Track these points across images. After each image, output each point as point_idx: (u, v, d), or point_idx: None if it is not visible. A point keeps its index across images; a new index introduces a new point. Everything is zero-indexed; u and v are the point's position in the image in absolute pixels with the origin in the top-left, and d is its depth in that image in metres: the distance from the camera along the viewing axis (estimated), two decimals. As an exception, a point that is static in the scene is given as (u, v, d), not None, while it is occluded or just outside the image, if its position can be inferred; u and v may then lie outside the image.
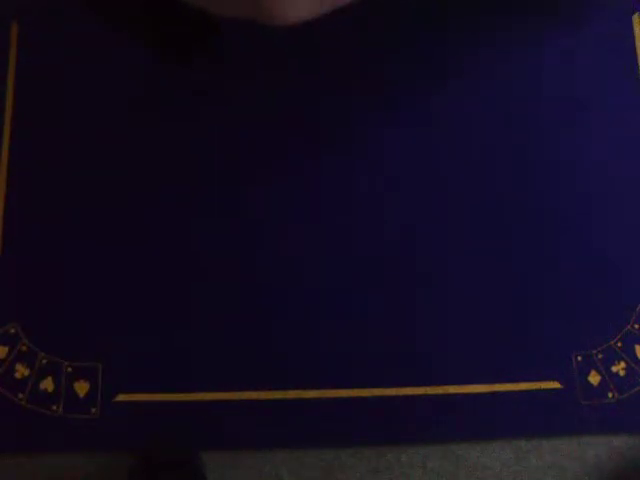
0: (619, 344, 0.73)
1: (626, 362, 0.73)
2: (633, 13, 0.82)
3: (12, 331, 0.70)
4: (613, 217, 0.76)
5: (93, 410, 0.69)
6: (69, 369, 0.70)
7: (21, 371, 0.69)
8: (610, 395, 0.72)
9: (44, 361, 0.70)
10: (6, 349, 0.70)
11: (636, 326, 0.74)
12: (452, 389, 0.71)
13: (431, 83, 0.78)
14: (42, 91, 0.76)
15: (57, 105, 0.76)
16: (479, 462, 0.71)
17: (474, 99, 0.78)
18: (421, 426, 0.71)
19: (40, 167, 0.74)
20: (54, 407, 0.69)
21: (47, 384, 0.69)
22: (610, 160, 0.78)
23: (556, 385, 0.72)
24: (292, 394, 0.70)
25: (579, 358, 0.72)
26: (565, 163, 0.77)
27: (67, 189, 0.74)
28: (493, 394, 0.71)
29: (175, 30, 0.58)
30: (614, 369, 0.73)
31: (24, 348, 0.70)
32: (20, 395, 0.69)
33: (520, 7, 0.80)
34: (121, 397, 0.69)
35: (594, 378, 0.72)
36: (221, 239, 0.73)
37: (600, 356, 0.73)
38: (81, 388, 0.69)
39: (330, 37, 0.77)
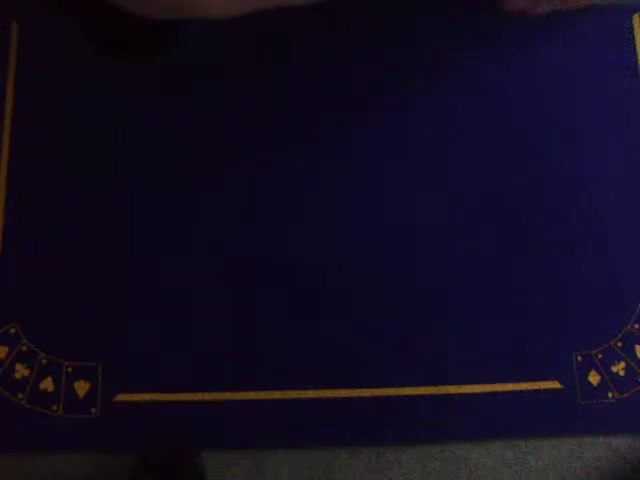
0: (619, 344, 0.73)
1: (626, 362, 0.73)
2: (633, 13, 0.82)
3: (12, 331, 0.70)
4: (612, 217, 0.76)
5: (93, 410, 0.69)
6: (69, 369, 0.70)
7: (21, 371, 0.69)
8: (610, 395, 0.72)
9: (44, 361, 0.70)
10: (6, 349, 0.70)
11: (636, 326, 0.74)
12: (452, 389, 0.71)
13: (429, 85, 0.78)
14: (42, 91, 0.76)
15: (57, 105, 0.76)
16: (479, 462, 0.71)
17: (473, 100, 0.78)
18: (421, 426, 0.71)
19: (40, 167, 0.74)
20: (54, 407, 0.69)
21: (47, 384, 0.69)
22: (610, 160, 0.78)
23: (556, 385, 0.72)
24: (292, 394, 0.70)
25: (579, 358, 0.72)
26: (564, 163, 0.77)
27: (67, 189, 0.74)
28: (493, 394, 0.71)
29: (126, 32, 0.56)
30: (614, 369, 0.73)
31: (24, 348, 0.70)
32: (20, 395, 0.69)
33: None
34: (121, 397, 0.69)
35: (594, 378, 0.72)
36: (221, 239, 0.73)
37: (600, 356, 0.73)
38: (81, 388, 0.69)
39: (329, 33, 0.77)
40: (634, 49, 0.81)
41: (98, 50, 0.58)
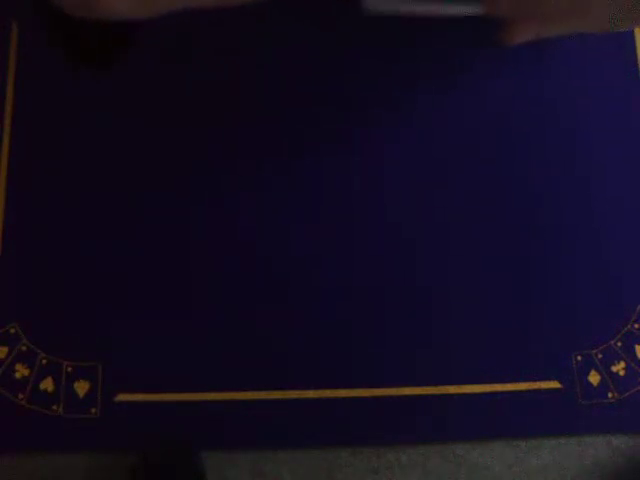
0: (619, 344, 0.73)
1: (626, 362, 0.73)
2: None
3: (12, 331, 0.70)
4: (613, 217, 0.76)
5: (93, 410, 0.69)
6: (69, 369, 0.70)
7: (21, 371, 0.69)
8: (610, 395, 0.72)
9: (44, 361, 0.70)
10: (6, 349, 0.70)
11: (636, 326, 0.74)
12: (452, 389, 0.71)
13: (432, 91, 0.78)
14: (42, 91, 0.76)
15: (57, 105, 0.75)
16: (479, 462, 0.71)
17: (473, 100, 0.78)
18: (421, 426, 0.71)
19: (40, 167, 0.74)
20: (54, 407, 0.69)
21: (47, 384, 0.69)
22: (610, 161, 0.78)
23: (556, 385, 0.72)
24: (292, 394, 0.70)
25: (579, 358, 0.72)
26: (565, 165, 0.77)
27: (67, 189, 0.74)
28: (493, 394, 0.71)
29: (90, 40, 0.55)
30: (614, 369, 0.73)
31: (24, 348, 0.70)
32: (20, 395, 0.69)
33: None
34: (121, 397, 0.69)
35: (594, 378, 0.72)
36: (222, 239, 0.73)
37: (600, 356, 0.73)
38: (81, 388, 0.69)
39: (330, 35, 0.77)
40: (634, 49, 0.81)
41: (66, 56, 0.57)
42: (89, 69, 0.70)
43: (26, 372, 0.69)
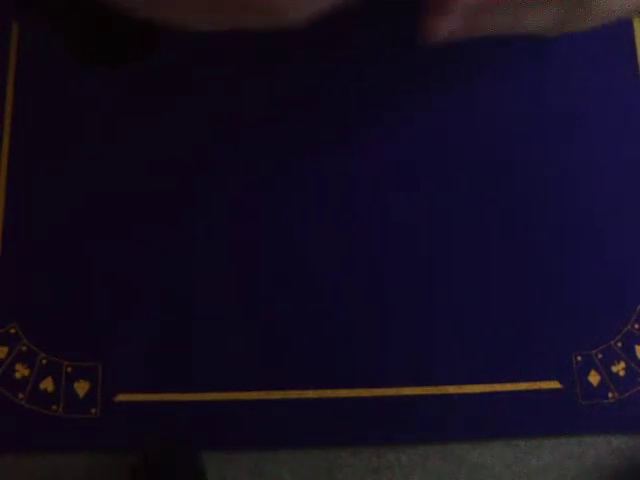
0: (619, 344, 0.73)
1: (626, 362, 0.73)
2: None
3: (12, 331, 0.70)
4: (614, 217, 0.76)
5: (93, 410, 0.69)
6: (69, 369, 0.70)
7: (21, 371, 0.69)
8: (610, 395, 0.72)
9: (44, 361, 0.70)
10: (6, 349, 0.70)
11: (636, 326, 0.74)
12: (452, 389, 0.71)
13: (433, 91, 0.78)
14: (42, 91, 0.76)
15: (57, 105, 0.76)
16: (479, 462, 0.71)
17: (473, 97, 0.78)
18: (421, 426, 0.71)
19: (40, 167, 0.74)
20: (54, 407, 0.69)
21: (47, 384, 0.69)
22: (610, 160, 0.78)
23: (556, 385, 0.72)
24: (292, 394, 0.70)
25: (579, 358, 0.72)
26: (565, 165, 0.77)
27: (67, 189, 0.74)
28: (493, 394, 0.71)
29: (111, 36, 0.54)
30: (614, 369, 0.73)
31: (24, 348, 0.70)
32: (20, 395, 0.69)
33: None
34: (121, 397, 0.69)
35: (594, 378, 0.72)
36: (223, 238, 0.73)
37: (600, 356, 0.73)
38: (81, 388, 0.69)
39: (333, 38, 0.77)
40: (634, 49, 0.81)
41: (80, 55, 0.57)
42: (100, 67, 0.70)
43: (26, 372, 0.69)
